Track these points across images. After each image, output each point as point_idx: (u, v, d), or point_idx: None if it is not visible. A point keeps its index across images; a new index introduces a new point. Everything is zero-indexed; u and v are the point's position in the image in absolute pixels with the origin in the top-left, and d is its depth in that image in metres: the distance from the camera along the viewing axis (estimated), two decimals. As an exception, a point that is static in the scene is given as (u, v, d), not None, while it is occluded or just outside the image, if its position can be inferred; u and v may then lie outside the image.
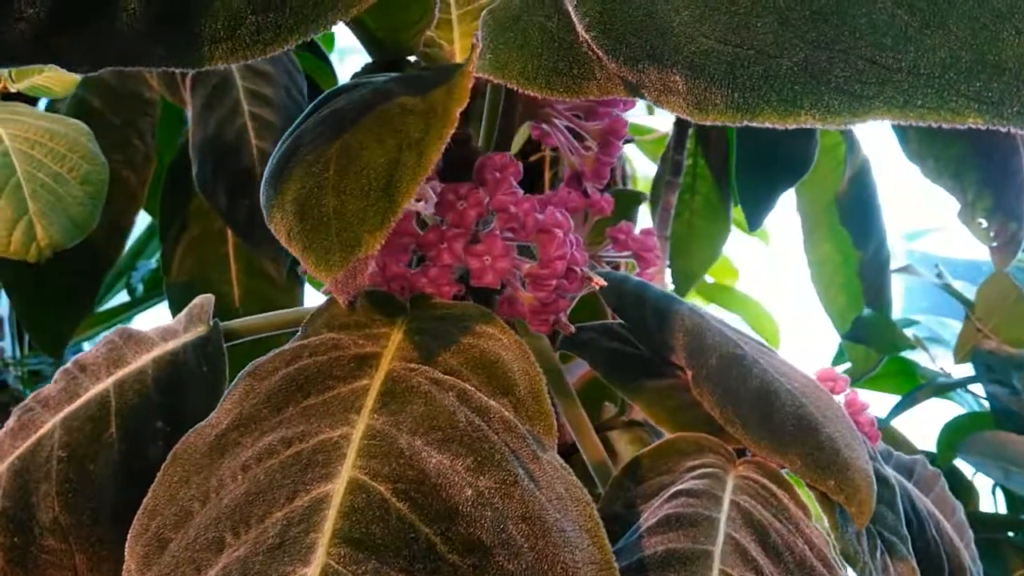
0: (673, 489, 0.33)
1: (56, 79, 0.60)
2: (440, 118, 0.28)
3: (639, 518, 0.32)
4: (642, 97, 0.25)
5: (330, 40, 1.01)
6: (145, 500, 0.31)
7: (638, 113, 1.20)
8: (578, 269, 0.33)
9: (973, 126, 0.20)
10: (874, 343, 0.85)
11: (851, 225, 0.84)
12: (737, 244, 1.40)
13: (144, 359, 0.41)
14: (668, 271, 1.21)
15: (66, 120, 0.59)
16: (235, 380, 0.32)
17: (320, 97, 0.32)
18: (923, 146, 0.61)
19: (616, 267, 0.54)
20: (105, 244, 0.86)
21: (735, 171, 0.60)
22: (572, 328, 0.35)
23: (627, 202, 0.57)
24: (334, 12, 0.26)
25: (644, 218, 1.26)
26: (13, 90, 0.59)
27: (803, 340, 1.48)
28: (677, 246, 1.14)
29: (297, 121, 0.32)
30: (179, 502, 0.30)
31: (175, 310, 0.93)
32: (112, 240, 0.87)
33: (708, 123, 0.24)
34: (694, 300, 1.46)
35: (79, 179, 0.56)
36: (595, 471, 0.38)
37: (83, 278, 0.87)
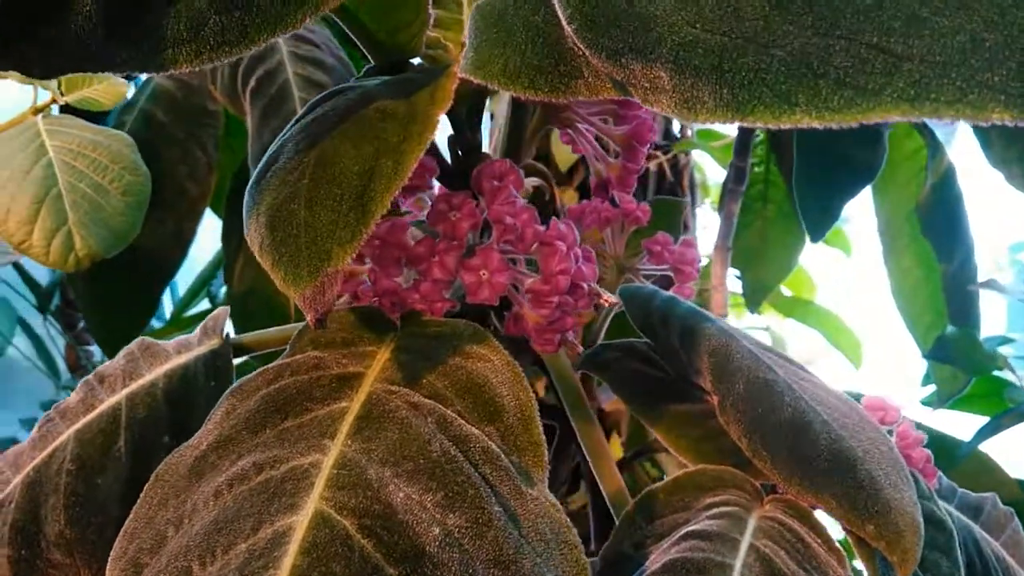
0: (686, 529, 0.29)
1: (104, 92, 0.61)
2: (420, 122, 0.26)
3: (647, 560, 0.29)
4: (631, 96, 0.23)
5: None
6: (127, 521, 0.30)
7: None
8: (585, 285, 0.31)
9: (998, 122, 0.17)
10: (959, 363, 0.79)
11: (934, 236, 0.78)
12: (816, 255, 1.33)
13: (157, 372, 0.40)
14: (729, 284, 1.16)
15: (110, 132, 0.59)
16: (220, 399, 0.30)
17: (311, 102, 0.31)
18: (1007, 150, 0.55)
19: (660, 281, 0.51)
20: (167, 252, 0.88)
21: (794, 179, 0.56)
22: (580, 348, 0.32)
23: (668, 212, 0.54)
24: (303, 10, 0.25)
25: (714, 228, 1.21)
26: (61, 103, 0.60)
27: (889, 358, 1.40)
28: (748, 257, 1.09)
29: (288, 126, 0.30)
30: (156, 526, 0.28)
31: (235, 319, 0.94)
32: (174, 248, 0.89)
33: (700, 123, 0.21)
34: (770, 315, 1.40)
35: (120, 190, 0.56)
36: (612, 503, 0.35)
37: (145, 284, 0.89)
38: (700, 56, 0.20)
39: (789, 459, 0.31)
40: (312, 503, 0.25)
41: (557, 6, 0.23)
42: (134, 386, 0.40)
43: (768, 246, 1.09)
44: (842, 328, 1.29)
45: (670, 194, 1.18)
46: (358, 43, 0.33)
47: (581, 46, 0.23)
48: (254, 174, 0.29)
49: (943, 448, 0.79)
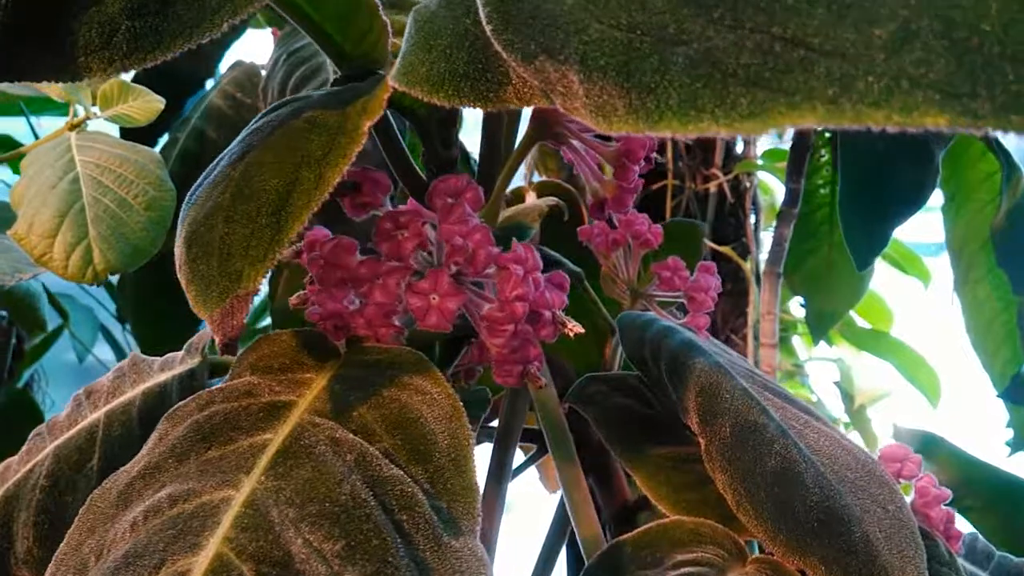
0: (648, 589, 0.26)
1: (139, 108, 0.62)
2: (347, 134, 0.24)
3: (601, 622, 0.26)
4: (554, 103, 0.20)
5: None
6: (61, 545, 0.28)
7: (772, 135, 1.10)
8: (548, 312, 0.28)
9: (933, 128, 0.14)
10: (1038, 405, 0.72)
11: (1010, 266, 0.72)
12: (893, 284, 1.25)
13: (137, 390, 0.39)
14: (797, 313, 1.10)
15: (139, 147, 0.60)
16: (157, 424, 0.29)
17: (262, 112, 0.29)
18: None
19: (675, 306, 0.48)
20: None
21: (838, 201, 0.52)
22: (542, 381, 0.29)
23: (685, 234, 0.50)
24: (220, 15, 0.23)
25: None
26: (100, 117, 0.61)
27: (970, 396, 1.31)
28: (813, 284, 1.04)
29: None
30: (81, 553, 0.27)
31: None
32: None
33: (614, 134, 0.18)
34: (842, 347, 1.33)
35: (144, 205, 0.56)
36: (585, 551, 0.32)
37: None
38: (607, 55, 0.17)
39: (775, 514, 0.28)
40: (215, 544, 0.23)
41: (479, 5, 0.21)
42: (114, 403, 0.39)
43: (835, 273, 1.03)
44: (919, 362, 1.20)
45: (731, 217, 1.13)
46: (327, 55, 0.31)
47: (498, 48, 0.20)
48: (191, 190, 0.27)
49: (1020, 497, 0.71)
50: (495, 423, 0.44)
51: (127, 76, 0.77)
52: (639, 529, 0.29)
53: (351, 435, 0.25)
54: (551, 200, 0.54)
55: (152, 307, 0.90)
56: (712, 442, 0.30)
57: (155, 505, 0.25)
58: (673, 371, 0.32)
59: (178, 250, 0.25)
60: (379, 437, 0.25)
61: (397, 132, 0.30)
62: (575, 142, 0.37)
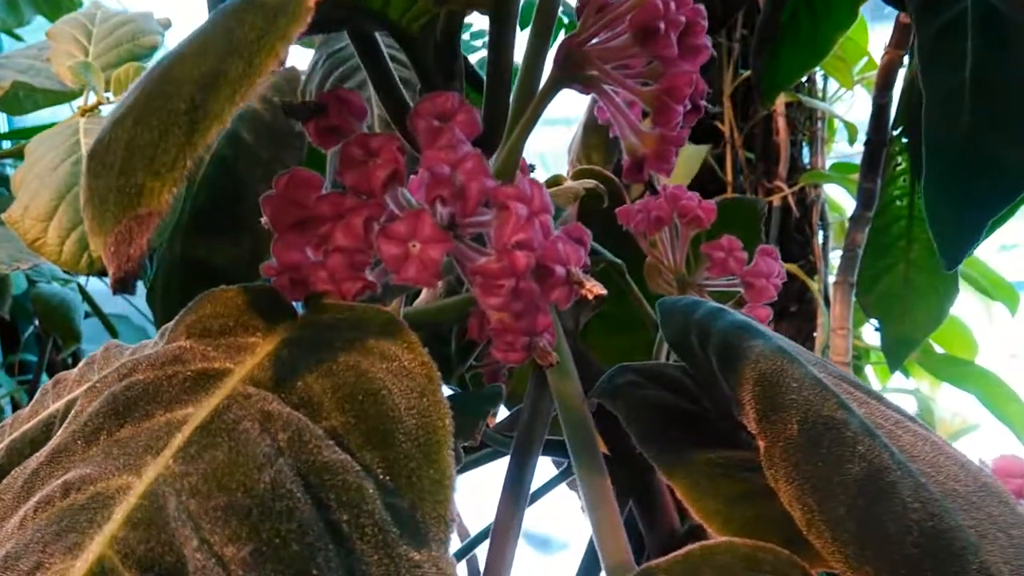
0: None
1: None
2: (289, 13, 0.18)
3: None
4: None
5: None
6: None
7: (840, 148, 1.02)
8: (559, 268, 0.22)
9: None
10: None
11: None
12: (977, 308, 1.15)
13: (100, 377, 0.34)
14: (870, 339, 1.01)
15: (149, 131, 0.56)
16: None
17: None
18: None
19: (734, 300, 0.41)
20: (241, 273, 0.85)
21: (923, 187, 0.44)
22: (553, 357, 0.23)
23: (742, 214, 0.43)
24: None
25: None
26: (113, 104, 0.58)
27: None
28: (889, 306, 0.95)
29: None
30: (-29, 559, 0.22)
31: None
32: (248, 269, 0.86)
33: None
34: (919, 377, 1.22)
35: (150, 191, 0.52)
36: (610, 580, 0.25)
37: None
38: None
39: (859, 536, 0.21)
40: (99, 545, 0.17)
41: None
42: (77, 391, 0.34)
43: (912, 294, 0.94)
44: (1007, 394, 1.09)
45: (797, 233, 1.05)
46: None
47: None
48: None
49: None
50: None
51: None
52: (678, 552, 0.22)
53: (289, 409, 0.19)
54: (588, 182, 0.48)
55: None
56: (775, 443, 0.23)
57: (48, 496, 0.20)
58: (725, 358, 0.26)
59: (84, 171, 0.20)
60: (327, 413, 0.19)
61: (381, 46, 0.25)
62: (608, 87, 0.31)
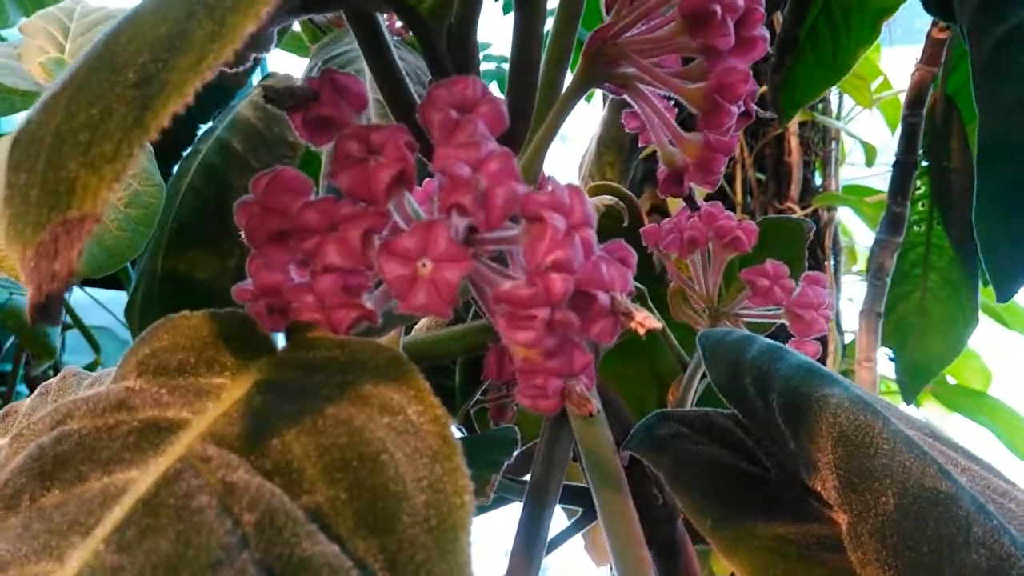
0: None
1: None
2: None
3: None
4: None
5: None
6: None
7: (857, 169, 0.98)
8: (602, 295, 0.18)
9: None
10: None
11: None
12: (991, 337, 1.11)
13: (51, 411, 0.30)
14: (882, 368, 0.97)
15: (127, 133, 0.51)
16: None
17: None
18: None
19: (779, 335, 0.37)
20: (229, 287, 0.81)
21: (975, 210, 0.40)
22: (593, 405, 0.18)
23: (786, 236, 0.39)
24: None
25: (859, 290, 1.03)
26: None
27: (1083, 470, 1.14)
28: (904, 335, 0.91)
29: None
30: None
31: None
32: (239, 281, 0.82)
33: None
34: (930, 406, 1.18)
35: (124, 201, 0.47)
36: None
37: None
38: None
39: (982, 648, 0.16)
40: (-5, 666, 0.13)
41: None
42: (23, 427, 0.30)
43: (929, 323, 0.90)
44: (1021, 427, 1.05)
45: (810, 256, 1.01)
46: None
47: None
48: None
49: None
50: (528, 477, 0.33)
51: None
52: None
53: (260, 479, 0.14)
54: (607, 199, 0.43)
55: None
56: (863, 519, 0.19)
57: (-60, 584, 0.15)
58: (792, 409, 0.21)
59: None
60: (309, 484, 0.14)
61: (383, 29, 0.21)
62: (644, 87, 0.27)
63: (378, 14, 0.23)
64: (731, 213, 0.34)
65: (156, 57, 0.14)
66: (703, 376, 0.35)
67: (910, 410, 1.19)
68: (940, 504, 0.18)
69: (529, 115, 0.24)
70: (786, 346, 0.25)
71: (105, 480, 0.15)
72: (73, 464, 0.16)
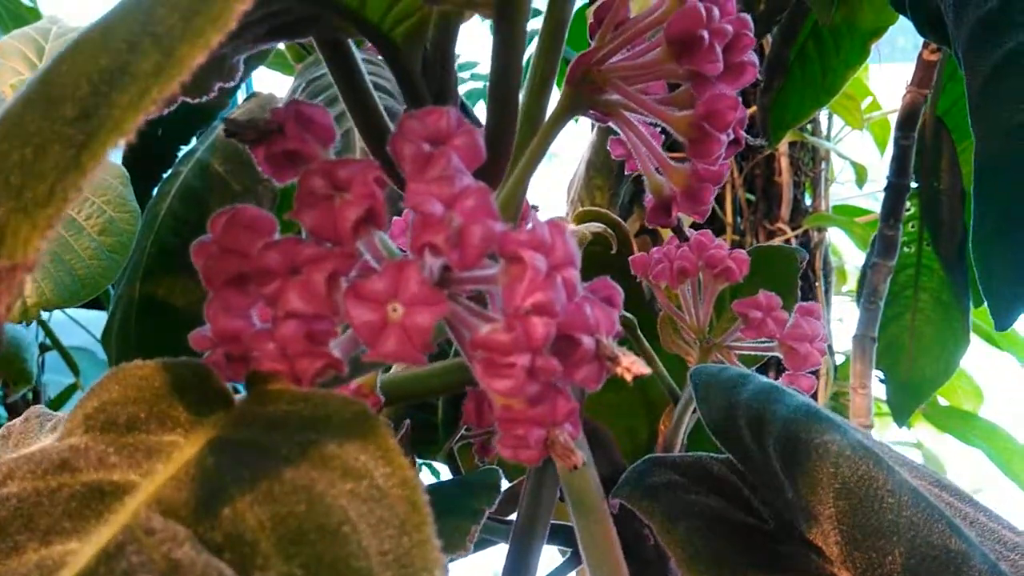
0: None
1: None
2: (225, -12, 0.13)
3: None
4: None
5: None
6: None
7: (846, 188, 0.98)
8: (586, 339, 0.16)
9: None
10: None
11: None
12: (981, 358, 1.11)
13: (10, 458, 0.28)
14: (873, 390, 0.96)
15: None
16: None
17: None
18: None
19: (762, 364, 0.36)
20: (208, 315, 0.79)
21: (971, 237, 0.40)
22: (578, 457, 0.17)
23: (778, 265, 0.38)
24: None
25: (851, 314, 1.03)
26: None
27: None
28: (895, 357, 0.90)
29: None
30: None
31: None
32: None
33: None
34: (921, 428, 1.17)
35: (98, 228, 0.46)
36: None
37: (182, 350, 0.79)
38: None
39: None
40: None
41: None
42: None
43: (920, 344, 0.90)
44: (1012, 448, 1.04)
45: (800, 278, 1.00)
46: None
47: None
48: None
49: None
50: (513, 516, 0.31)
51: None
52: None
53: (207, 555, 0.13)
54: (595, 226, 0.42)
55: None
56: (866, 577, 0.17)
57: None
58: (790, 455, 0.20)
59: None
60: (263, 560, 0.13)
61: (355, 55, 0.20)
62: (630, 114, 0.26)
63: (350, 40, 0.22)
64: (722, 242, 0.33)
65: (96, 90, 0.12)
66: (695, 410, 0.33)
67: (902, 432, 1.18)
68: (950, 564, 0.17)
69: (510, 143, 0.23)
70: (782, 385, 0.24)
71: (43, 552, 0.14)
72: (9, 532, 0.15)
